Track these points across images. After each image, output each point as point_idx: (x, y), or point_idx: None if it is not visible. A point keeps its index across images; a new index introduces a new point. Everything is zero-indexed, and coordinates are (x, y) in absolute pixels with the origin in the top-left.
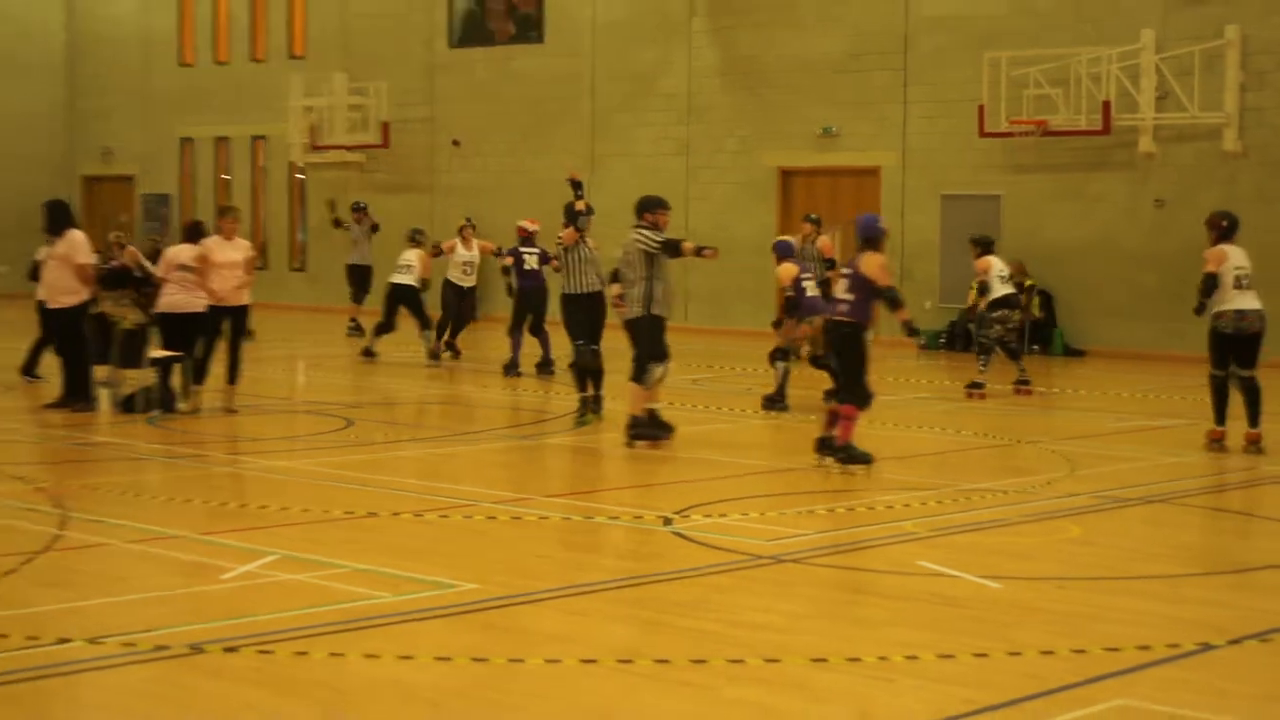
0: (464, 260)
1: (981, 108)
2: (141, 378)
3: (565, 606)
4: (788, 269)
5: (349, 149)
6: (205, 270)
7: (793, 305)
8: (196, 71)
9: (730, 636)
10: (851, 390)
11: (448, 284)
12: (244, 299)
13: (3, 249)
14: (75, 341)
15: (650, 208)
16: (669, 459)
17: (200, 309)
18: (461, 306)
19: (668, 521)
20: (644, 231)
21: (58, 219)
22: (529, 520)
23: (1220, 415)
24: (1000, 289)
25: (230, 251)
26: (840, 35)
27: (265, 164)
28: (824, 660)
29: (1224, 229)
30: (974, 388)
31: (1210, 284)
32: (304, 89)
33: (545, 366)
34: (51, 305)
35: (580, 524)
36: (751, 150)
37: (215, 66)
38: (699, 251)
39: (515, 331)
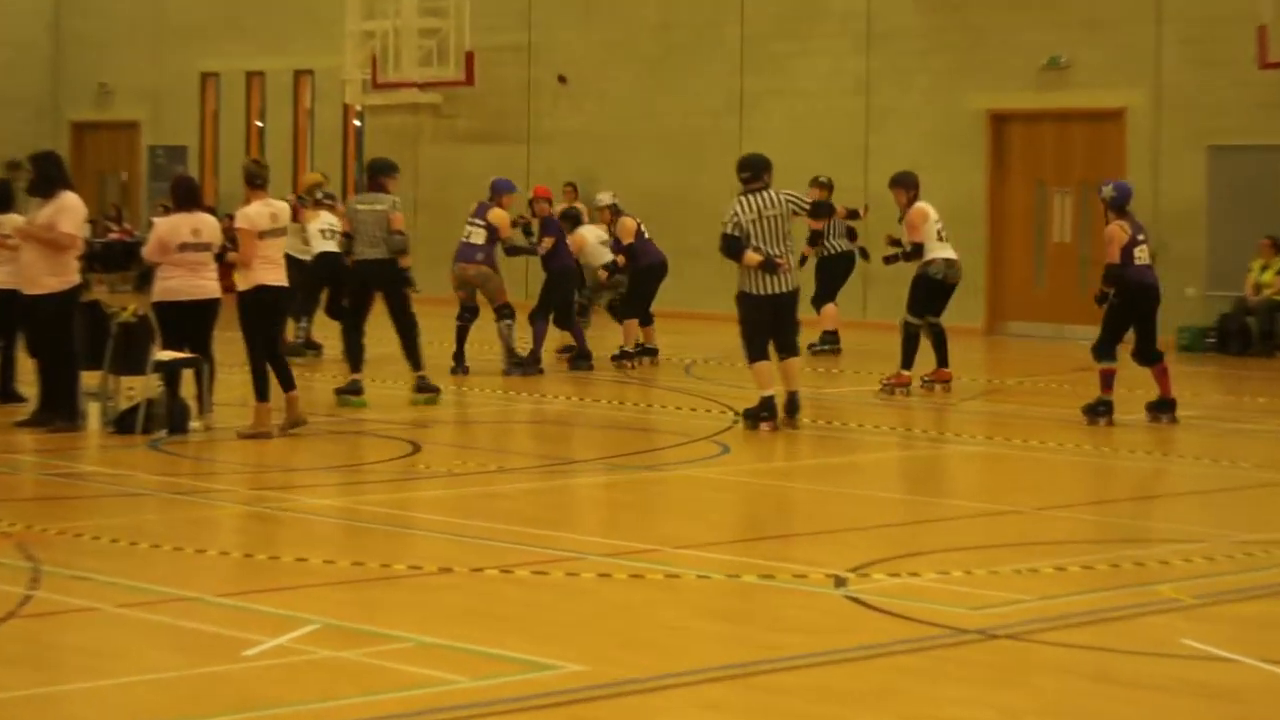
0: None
1: (1263, 30)
2: (144, 387)
3: (703, 697)
4: None
5: (421, 87)
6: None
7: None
8: None
9: None
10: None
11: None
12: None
13: None
14: (59, 339)
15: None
16: (841, 496)
17: (211, 294)
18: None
19: (840, 582)
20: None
21: (49, 176)
22: (653, 579)
23: None
24: None
25: (267, 219)
26: None
27: (312, 107)
28: None
29: None
30: None
31: None
32: (362, 9)
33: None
34: (29, 292)
35: (722, 584)
36: (952, 88)
37: None
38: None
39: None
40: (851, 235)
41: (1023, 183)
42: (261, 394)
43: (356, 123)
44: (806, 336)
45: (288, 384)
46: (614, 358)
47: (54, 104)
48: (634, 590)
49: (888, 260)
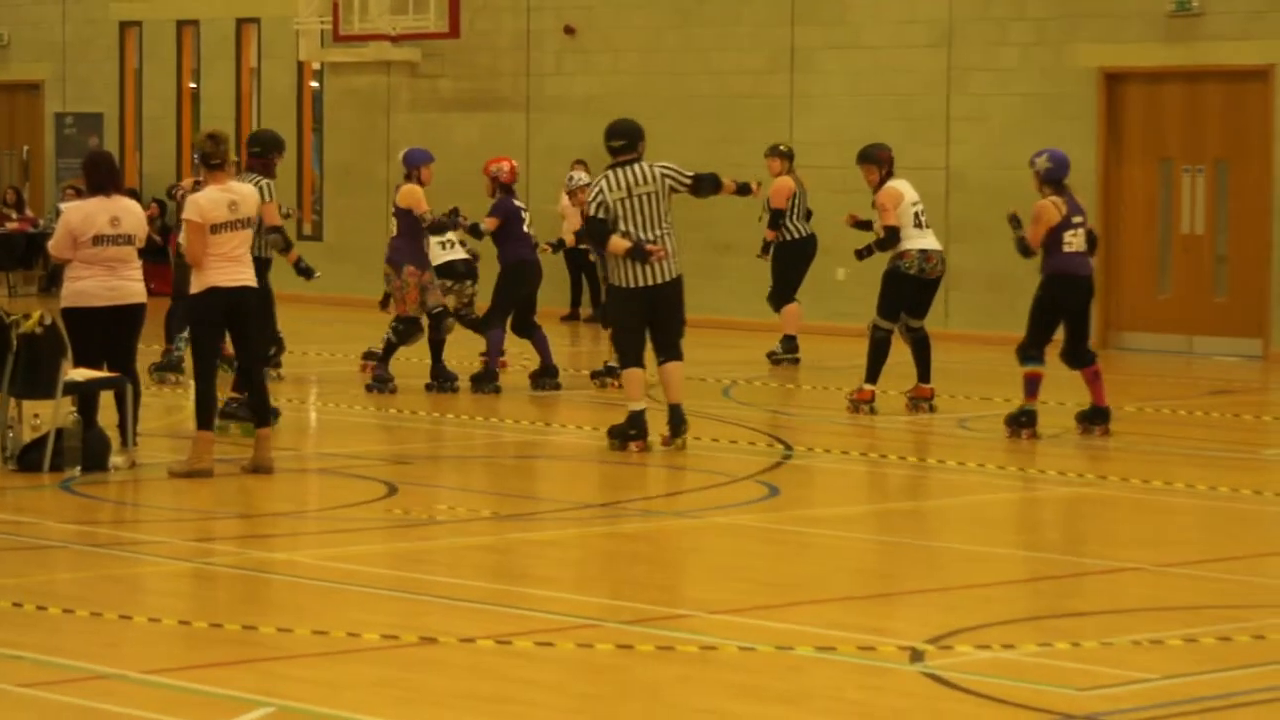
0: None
1: None
2: (52, 414)
3: None
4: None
5: (394, 40)
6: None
7: None
8: None
9: None
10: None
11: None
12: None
13: None
14: None
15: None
16: (913, 549)
17: (134, 298)
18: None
19: (917, 656)
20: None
21: None
22: (685, 651)
23: None
24: None
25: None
26: None
27: (258, 65)
28: None
29: None
30: None
31: None
32: None
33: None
34: None
35: (770, 658)
36: (1056, 41)
37: None
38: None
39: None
40: (808, 216)
41: (1143, 159)
42: (204, 421)
43: (314, 84)
44: (766, 342)
45: (261, 416)
46: (595, 374)
47: None
48: (661, 665)
49: (860, 254)
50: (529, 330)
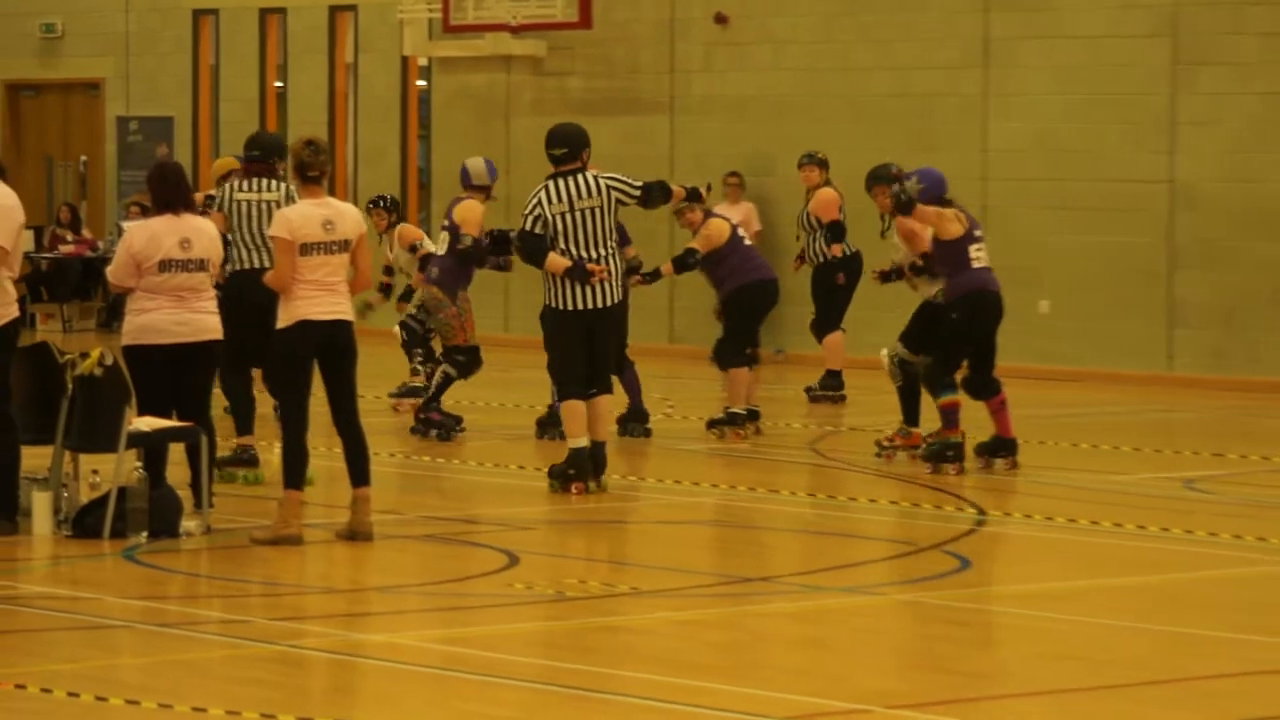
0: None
1: None
2: (115, 470)
3: None
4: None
5: (515, 31)
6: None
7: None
8: None
9: None
10: None
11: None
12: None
13: None
14: None
15: None
16: (1128, 632)
17: (208, 334)
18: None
19: None
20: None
21: None
22: None
23: None
24: None
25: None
26: None
27: (355, 60)
28: None
29: None
30: None
31: None
32: None
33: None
34: None
35: None
36: None
37: None
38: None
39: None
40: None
41: None
42: (292, 479)
43: (420, 83)
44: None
45: (359, 474)
46: (713, 423)
47: None
48: None
49: (885, 277)
50: (618, 366)
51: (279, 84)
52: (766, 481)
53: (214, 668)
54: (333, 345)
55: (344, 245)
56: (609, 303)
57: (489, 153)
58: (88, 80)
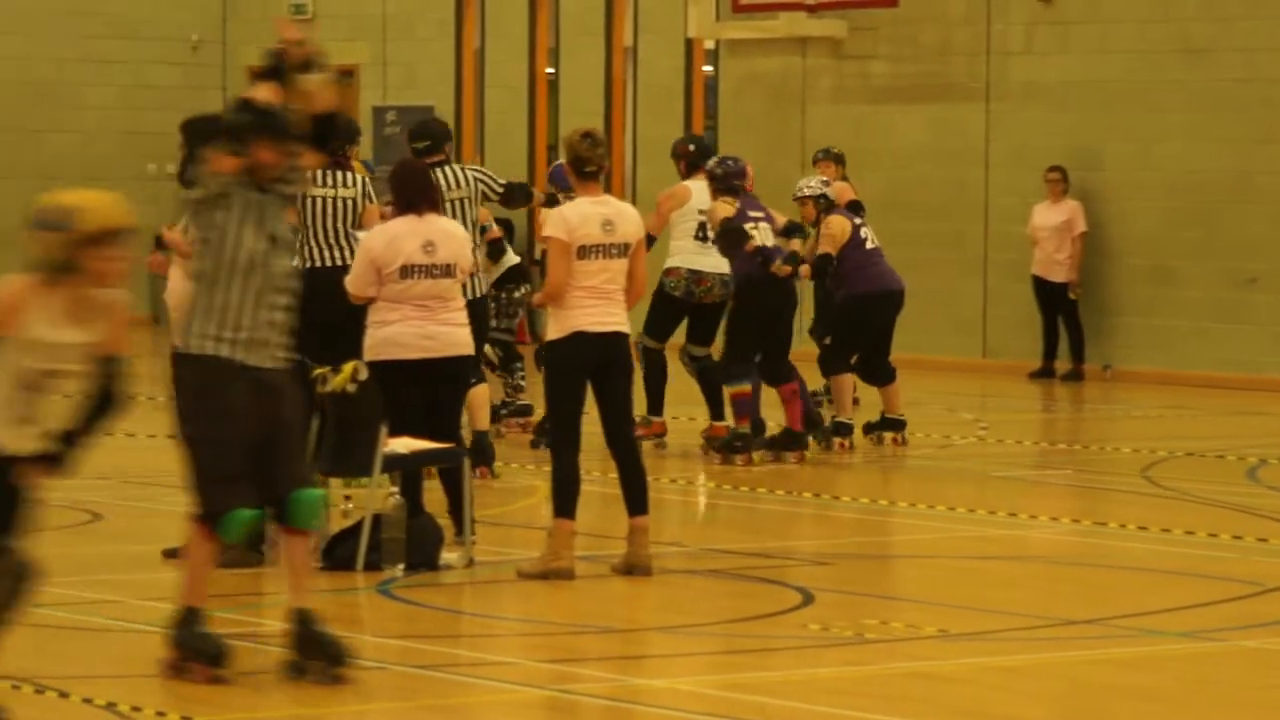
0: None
1: None
2: (368, 496)
3: None
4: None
5: (811, 9)
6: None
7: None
8: None
9: None
10: None
11: None
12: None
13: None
14: None
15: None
16: None
17: (460, 348)
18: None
19: None
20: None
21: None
22: None
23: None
24: None
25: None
26: None
27: (634, 44)
28: None
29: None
30: None
31: None
32: None
33: (815, 431)
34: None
35: None
36: None
37: None
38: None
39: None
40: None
41: None
42: (563, 507)
43: (706, 69)
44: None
45: (636, 502)
46: (818, 433)
47: (220, 38)
48: None
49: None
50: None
51: (550, 70)
52: (1090, 512)
53: (476, 714)
54: (609, 360)
55: (623, 249)
56: (473, 295)
57: (782, 145)
58: (341, 67)
